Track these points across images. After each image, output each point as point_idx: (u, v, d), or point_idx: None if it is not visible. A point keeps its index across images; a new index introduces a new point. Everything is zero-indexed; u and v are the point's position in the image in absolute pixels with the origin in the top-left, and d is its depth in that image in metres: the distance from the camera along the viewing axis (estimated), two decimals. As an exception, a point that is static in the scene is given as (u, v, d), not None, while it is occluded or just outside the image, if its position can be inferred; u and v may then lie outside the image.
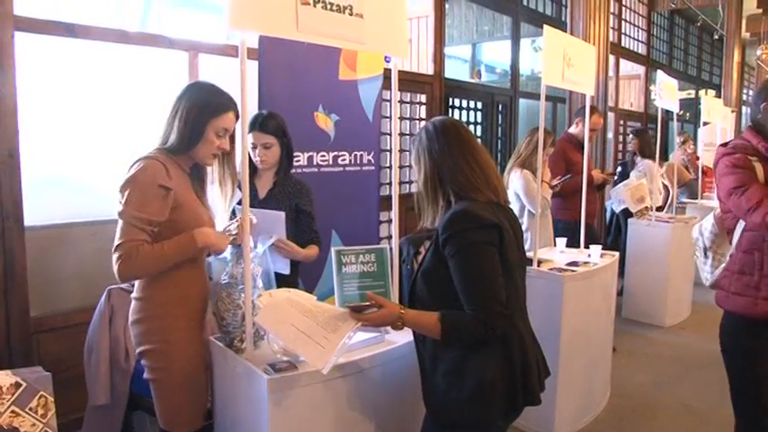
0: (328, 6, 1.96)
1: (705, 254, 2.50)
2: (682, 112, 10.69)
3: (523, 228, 3.75)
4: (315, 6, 1.92)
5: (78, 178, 3.23)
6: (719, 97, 10.39)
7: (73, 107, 3.14)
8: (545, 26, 3.26)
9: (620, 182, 5.55)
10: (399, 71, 2.36)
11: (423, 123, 5.12)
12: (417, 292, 1.80)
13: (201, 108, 1.93)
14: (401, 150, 3.26)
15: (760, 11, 11.44)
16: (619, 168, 6.49)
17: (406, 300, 2.79)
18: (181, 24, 4.01)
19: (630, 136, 6.32)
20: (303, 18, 1.88)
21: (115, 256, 1.82)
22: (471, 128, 6.29)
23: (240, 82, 1.80)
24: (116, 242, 1.82)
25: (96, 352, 2.43)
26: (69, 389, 2.69)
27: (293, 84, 3.25)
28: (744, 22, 11.73)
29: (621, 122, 9.00)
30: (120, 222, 1.83)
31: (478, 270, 1.63)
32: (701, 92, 12.41)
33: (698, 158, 7.76)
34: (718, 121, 7.55)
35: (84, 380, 2.47)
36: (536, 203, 3.52)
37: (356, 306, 1.74)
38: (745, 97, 14.10)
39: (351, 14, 2.04)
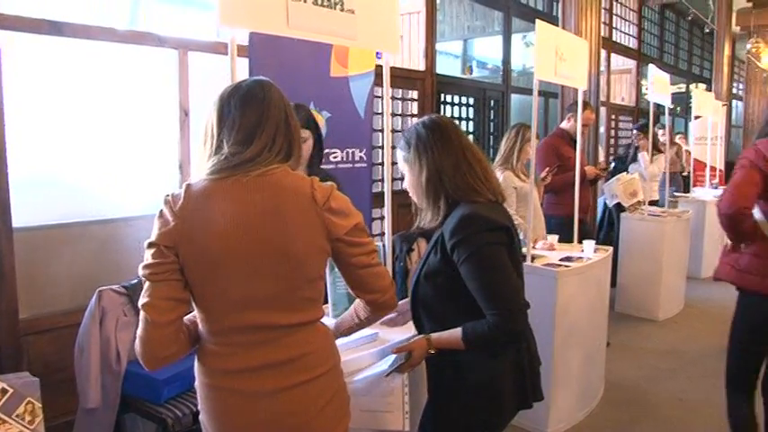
0: (319, 2, 1.94)
1: None
2: (673, 106, 10.71)
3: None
4: (305, 2, 1.90)
5: (67, 179, 3.19)
6: (710, 91, 10.41)
7: (61, 106, 3.09)
8: (537, 21, 3.25)
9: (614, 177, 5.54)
10: (391, 67, 2.34)
11: (414, 120, 5.13)
12: (421, 294, 1.77)
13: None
14: (393, 147, 3.23)
15: (750, 5, 11.51)
16: (612, 164, 6.44)
17: (399, 296, 2.76)
18: (170, 22, 3.98)
19: (635, 132, 6.08)
20: (293, 14, 1.87)
21: None
22: (463, 124, 6.27)
23: (231, 80, 1.78)
24: None
25: (87, 354, 2.39)
26: (60, 391, 2.68)
27: (284, 81, 3.16)
28: (734, 15, 11.77)
29: (613, 117, 9.02)
30: None
31: (494, 272, 1.60)
32: (692, 86, 12.45)
33: (689, 153, 7.79)
34: (710, 115, 7.58)
35: (74, 382, 2.44)
36: (529, 201, 3.52)
37: (396, 367, 1.72)
38: (735, 91, 14.15)
39: (342, 10, 2.02)
